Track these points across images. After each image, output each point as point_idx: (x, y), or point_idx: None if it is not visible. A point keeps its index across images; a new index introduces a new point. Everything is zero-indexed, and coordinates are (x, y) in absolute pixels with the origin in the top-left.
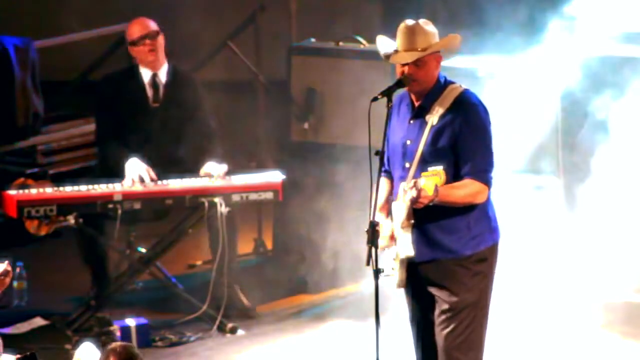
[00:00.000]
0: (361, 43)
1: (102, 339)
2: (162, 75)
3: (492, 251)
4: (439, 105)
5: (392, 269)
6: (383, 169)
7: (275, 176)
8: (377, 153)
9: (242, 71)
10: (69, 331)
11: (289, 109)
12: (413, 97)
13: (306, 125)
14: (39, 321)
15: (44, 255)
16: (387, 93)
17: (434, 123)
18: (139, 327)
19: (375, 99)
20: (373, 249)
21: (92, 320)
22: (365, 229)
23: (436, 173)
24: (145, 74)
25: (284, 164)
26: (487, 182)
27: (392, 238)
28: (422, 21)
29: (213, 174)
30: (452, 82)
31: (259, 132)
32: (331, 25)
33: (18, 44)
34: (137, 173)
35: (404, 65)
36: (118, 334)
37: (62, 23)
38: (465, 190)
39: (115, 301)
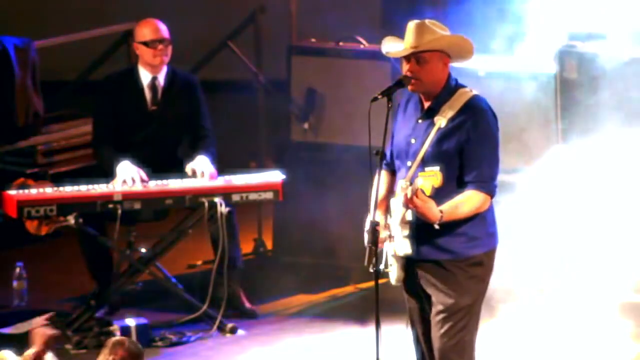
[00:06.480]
0: (361, 43)
1: (102, 339)
2: (161, 79)
3: (489, 256)
4: (449, 108)
5: (390, 265)
6: (385, 162)
7: (275, 176)
8: (377, 153)
9: (242, 71)
10: (69, 331)
11: (289, 109)
12: (422, 97)
13: (306, 125)
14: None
15: (44, 255)
16: (387, 93)
17: (442, 125)
18: (139, 327)
19: (375, 99)
20: (373, 249)
21: (92, 320)
22: (366, 229)
23: (433, 174)
24: (145, 77)
25: (284, 164)
26: (491, 192)
27: (390, 234)
28: (427, 21)
29: (198, 170)
30: (463, 86)
31: (259, 132)
32: (331, 25)
33: (18, 44)
34: (129, 175)
35: (407, 63)
36: (118, 334)
37: (62, 23)
38: (469, 205)
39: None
